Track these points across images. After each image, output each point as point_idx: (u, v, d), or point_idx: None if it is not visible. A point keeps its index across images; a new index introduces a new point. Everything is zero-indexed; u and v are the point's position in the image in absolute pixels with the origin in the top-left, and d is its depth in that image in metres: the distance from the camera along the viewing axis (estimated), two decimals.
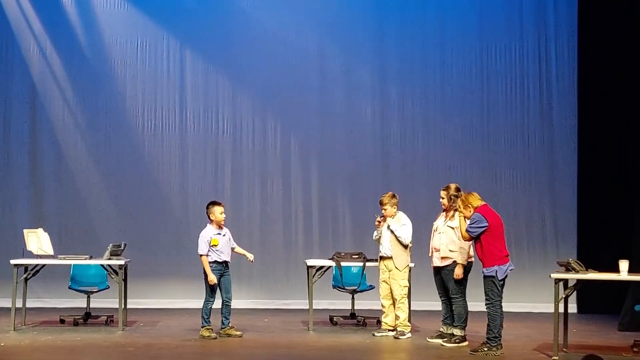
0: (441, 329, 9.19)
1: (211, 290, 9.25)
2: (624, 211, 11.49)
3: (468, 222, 8.43)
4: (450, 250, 8.90)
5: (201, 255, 9.26)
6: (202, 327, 9.29)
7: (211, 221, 9.35)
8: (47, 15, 12.57)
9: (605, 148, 12.14)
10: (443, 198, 9.08)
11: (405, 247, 9.40)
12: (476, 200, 8.47)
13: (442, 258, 8.97)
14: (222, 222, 9.39)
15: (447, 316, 9.15)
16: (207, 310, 9.24)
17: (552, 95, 12.62)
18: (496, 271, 8.28)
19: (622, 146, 11.70)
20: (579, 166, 12.40)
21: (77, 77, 12.59)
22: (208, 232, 9.30)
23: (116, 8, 12.62)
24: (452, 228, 8.91)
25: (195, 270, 11.96)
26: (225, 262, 9.37)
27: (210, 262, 9.25)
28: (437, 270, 9.12)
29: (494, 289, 8.32)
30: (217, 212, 9.32)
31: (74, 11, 12.56)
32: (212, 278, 9.19)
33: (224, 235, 9.37)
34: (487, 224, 8.28)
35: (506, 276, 8.36)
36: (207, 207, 9.42)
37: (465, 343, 8.85)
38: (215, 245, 9.23)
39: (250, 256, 9.57)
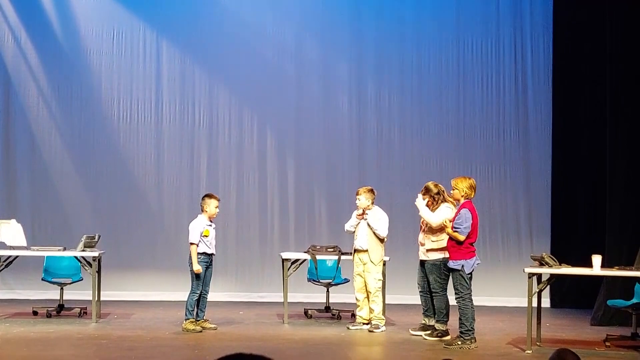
0: (423, 321, 9.22)
1: (197, 282, 9.20)
2: (597, 206, 11.56)
3: (455, 218, 8.40)
4: (432, 242, 8.93)
5: (192, 243, 9.21)
6: (185, 319, 9.24)
7: (203, 212, 9.33)
8: (21, 4, 12.42)
9: (580, 143, 12.21)
10: (427, 199, 9.08)
11: (382, 240, 9.42)
12: (471, 190, 8.44)
13: (428, 251, 9.00)
14: (215, 216, 9.37)
15: (427, 308, 9.18)
16: (192, 302, 9.21)
17: (527, 90, 12.67)
18: (462, 265, 8.33)
19: (596, 141, 11.77)
20: (553, 161, 12.46)
21: (51, 66, 12.46)
22: (200, 222, 9.29)
23: None
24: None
25: (170, 261, 12.00)
26: (212, 256, 9.35)
27: (199, 254, 9.23)
28: (422, 263, 9.14)
29: (462, 282, 8.36)
30: (212, 206, 9.32)
31: (49, 0, 12.43)
32: (198, 267, 9.17)
33: (213, 228, 9.39)
34: (472, 222, 8.30)
35: (473, 270, 8.40)
36: (203, 199, 9.42)
37: (448, 337, 8.87)
38: (207, 236, 9.23)
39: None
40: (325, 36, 12.74)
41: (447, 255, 8.80)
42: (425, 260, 9.05)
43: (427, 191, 9.09)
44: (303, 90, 12.72)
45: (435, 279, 8.94)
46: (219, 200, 9.45)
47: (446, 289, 8.99)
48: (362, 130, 12.70)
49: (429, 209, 9.03)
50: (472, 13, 12.69)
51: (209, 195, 9.46)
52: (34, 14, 12.41)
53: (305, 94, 12.72)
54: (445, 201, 9.01)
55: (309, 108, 12.70)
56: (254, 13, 12.67)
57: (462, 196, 8.44)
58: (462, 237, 8.32)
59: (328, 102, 12.72)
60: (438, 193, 9.04)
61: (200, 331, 9.16)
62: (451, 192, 8.59)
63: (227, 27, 12.62)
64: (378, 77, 12.72)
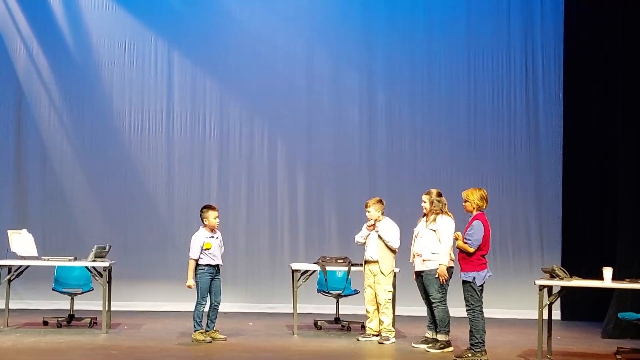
0: (426, 335, 9.20)
1: (202, 294, 9.21)
2: (608, 219, 11.53)
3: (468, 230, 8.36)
4: (432, 253, 8.92)
5: (192, 258, 9.22)
6: (194, 330, 9.25)
7: (204, 225, 9.34)
8: (34, 15, 12.51)
9: (591, 155, 12.19)
10: (425, 202, 9.10)
11: (393, 251, 9.41)
12: (482, 201, 8.43)
13: (424, 261, 8.98)
14: (216, 227, 9.37)
15: (432, 321, 9.15)
16: (199, 313, 9.21)
17: (538, 103, 12.67)
18: (474, 277, 8.28)
19: (607, 153, 11.76)
20: (564, 173, 12.45)
21: (63, 77, 12.53)
22: (201, 236, 9.28)
23: (104, 9, 12.58)
24: (434, 231, 8.94)
25: (180, 272, 11.99)
26: (217, 266, 9.36)
27: (203, 265, 9.23)
28: (419, 275, 9.13)
29: (473, 294, 8.31)
30: (211, 217, 9.30)
31: (61, 11, 12.51)
32: (191, 282, 9.18)
33: (216, 238, 9.37)
34: (484, 234, 8.27)
35: (484, 282, 8.37)
36: (201, 211, 9.40)
37: (451, 348, 8.86)
38: (208, 249, 9.22)
39: None
40: (336, 48, 12.77)
41: (441, 260, 8.81)
42: (423, 271, 9.02)
43: (428, 193, 9.08)
44: (313, 101, 12.75)
45: (436, 289, 8.91)
46: (217, 210, 9.43)
47: (446, 299, 8.96)
48: (372, 141, 12.71)
49: (425, 210, 9.04)
50: (483, 25, 12.71)
51: (207, 207, 9.44)
52: (46, 25, 12.49)
53: (316, 106, 12.75)
54: (442, 213, 8.99)
55: (319, 119, 12.73)
56: (264, 24, 12.71)
57: (474, 208, 8.42)
58: (471, 250, 8.28)
59: (338, 114, 12.75)
60: (439, 202, 9.01)
61: (210, 342, 9.17)
62: (463, 204, 8.56)
63: (238, 39, 12.67)
64: (388, 88, 12.75)
